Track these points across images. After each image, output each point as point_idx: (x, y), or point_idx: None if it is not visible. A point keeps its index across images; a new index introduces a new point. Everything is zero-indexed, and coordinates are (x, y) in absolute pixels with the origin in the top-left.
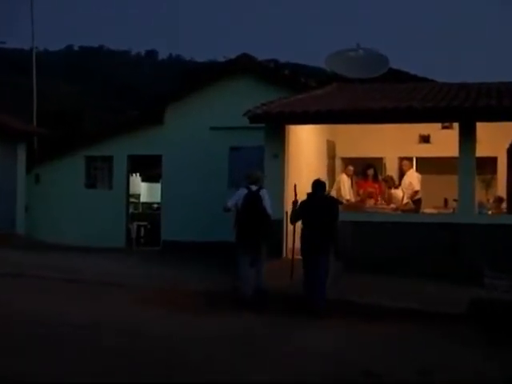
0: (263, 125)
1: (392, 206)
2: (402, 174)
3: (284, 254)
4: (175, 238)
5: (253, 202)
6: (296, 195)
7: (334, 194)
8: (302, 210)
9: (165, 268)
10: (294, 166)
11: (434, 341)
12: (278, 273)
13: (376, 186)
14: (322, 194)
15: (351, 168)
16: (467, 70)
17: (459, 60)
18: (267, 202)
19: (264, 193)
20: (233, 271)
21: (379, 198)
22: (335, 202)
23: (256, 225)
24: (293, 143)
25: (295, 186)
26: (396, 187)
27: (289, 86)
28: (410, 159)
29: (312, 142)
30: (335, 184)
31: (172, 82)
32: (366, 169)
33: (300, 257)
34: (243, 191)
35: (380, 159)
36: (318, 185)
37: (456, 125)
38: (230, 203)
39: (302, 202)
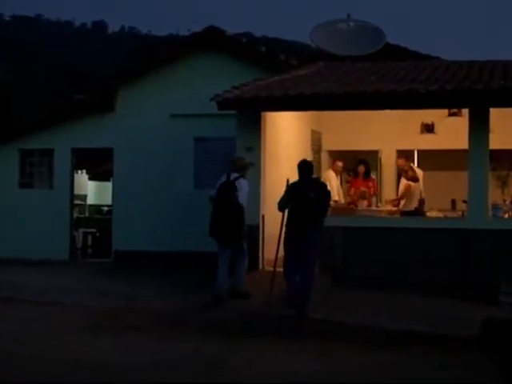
0: (234, 111)
1: (391, 207)
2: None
3: (260, 266)
4: (130, 247)
5: (225, 191)
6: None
7: None
8: (291, 195)
9: (117, 284)
10: (271, 160)
11: (437, 369)
12: (252, 288)
13: (369, 184)
14: (312, 177)
15: (340, 164)
16: (479, 45)
17: (469, 34)
18: (242, 193)
19: (242, 183)
20: (200, 286)
21: (373, 199)
22: (326, 186)
23: (225, 217)
24: (270, 134)
25: (288, 180)
26: (415, 180)
27: (265, 65)
28: (410, 153)
29: (293, 132)
30: None
31: (125, 59)
32: (356, 165)
33: (280, 269)
34: (223, 178)
35: (375, 152)
36: (305, 166)
37: (465, 111)
38: (213, 192)
39: (291, 186)
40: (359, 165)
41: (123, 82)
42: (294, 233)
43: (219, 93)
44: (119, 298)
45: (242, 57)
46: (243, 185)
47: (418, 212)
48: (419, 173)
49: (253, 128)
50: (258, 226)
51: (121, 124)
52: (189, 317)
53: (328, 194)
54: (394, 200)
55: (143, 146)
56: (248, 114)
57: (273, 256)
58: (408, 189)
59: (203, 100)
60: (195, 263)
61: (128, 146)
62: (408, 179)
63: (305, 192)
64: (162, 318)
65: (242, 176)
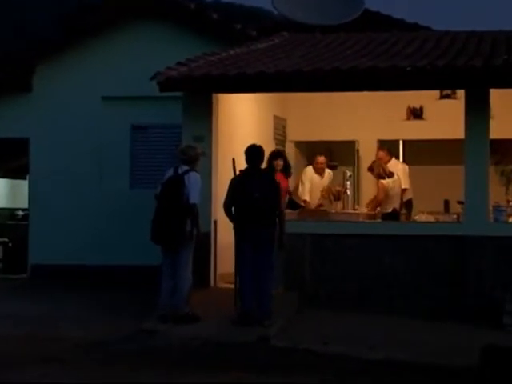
0: (180, 94)
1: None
2: None
3: (212, 283)
4: (50, 260)
5: (172, 187)
6: (235, 173)
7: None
8: (234, 191)
9: (34, 305)
10: (225, 153)
11: None
12: (202, 309)
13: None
14: (260, 169)
15: (321, 159)
16: (477, 12)
17: None
18: (193, 189)
19: (193, 177)
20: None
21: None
22: (275, 178)
23: (171, 219)
24: (224, 120)
25: (234, 160)
26: (382, 176)
27: (218, 37)
28: (393, 143)
29: (252, 118)
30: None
31: (43, 29)
32: (273, 158)
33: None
34: (170, 172)
35: (351, 143)
36: (254, 153)
37: (461, 93)
38: (158, 189)
39: (234, 180)
40: (277, 158)
41: (42, 56)
42: (243, 238)
43: (161, 70)
44: (36, 322)
45: (189, 26)
46: (194, 180)
47: (397, 214)
48: (404, 169)
49: (203, 113)
50: (208, 234)
51: (39, 108)
52: (121, 346)
53: (276, 189)
54: (371, 202)
55: (67, 135)
56: (197, 97)
57: (227, 270)
58: (383, 188)
59: (142, 79)
60: (131, 279)
61: (48, 136)
62: (380, 178)
63: (249, 191)
64: (88, 347)
65: (192, 169)
